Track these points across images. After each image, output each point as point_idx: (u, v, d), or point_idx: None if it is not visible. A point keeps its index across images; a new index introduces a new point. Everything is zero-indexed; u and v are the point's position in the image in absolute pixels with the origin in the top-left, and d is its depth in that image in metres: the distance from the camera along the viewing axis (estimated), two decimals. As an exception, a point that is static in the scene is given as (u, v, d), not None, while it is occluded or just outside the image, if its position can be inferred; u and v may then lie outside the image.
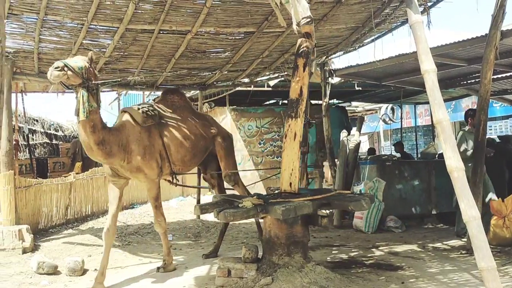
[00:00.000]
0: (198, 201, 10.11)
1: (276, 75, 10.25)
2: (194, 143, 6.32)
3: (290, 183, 5.05)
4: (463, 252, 6.50)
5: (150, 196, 6.01)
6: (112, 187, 5.85)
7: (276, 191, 5.49)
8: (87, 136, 5.11)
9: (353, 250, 7.01)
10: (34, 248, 7.31)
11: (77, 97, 4.99)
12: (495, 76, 8.66)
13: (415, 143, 15.81)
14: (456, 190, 3.03)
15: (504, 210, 6.77)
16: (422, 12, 3.83)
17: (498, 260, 5.10)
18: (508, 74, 9.25)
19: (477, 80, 9.30)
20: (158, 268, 6.03)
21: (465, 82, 10.05)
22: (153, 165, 5.79)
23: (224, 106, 12.81)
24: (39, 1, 5.66)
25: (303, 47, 4.88)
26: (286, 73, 9.52)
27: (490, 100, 9.06)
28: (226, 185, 7.07)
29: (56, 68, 4.72)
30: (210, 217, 8.38)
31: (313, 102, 13.42)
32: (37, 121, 16.81)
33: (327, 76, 9.40)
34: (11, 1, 5.65)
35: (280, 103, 14.89)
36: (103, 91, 9.70)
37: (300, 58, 4.93)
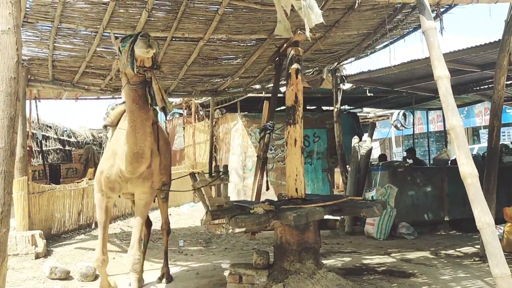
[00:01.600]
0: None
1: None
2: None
3: (296, 189, 5.09)
4: (476, 259, 6.44)
5: (143, 214, 4.96)
6: (105, 207, 4.88)
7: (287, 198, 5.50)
8: (147, 135, 4.27)
9: (364, 256, 6.98)
10: (47, 253, 7.37)
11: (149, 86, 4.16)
12: (508, 82, 8.60)
13: (427, 149, 15.71)
14: (470, 196, 3.01)
15: (518, 217, 6.71)
16: (434, 18, 3.82)
17: (511, 268, 5.07)
18: (521, 80, 9.18)
19: (490, 86, 9.24)
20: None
21: (478, 88, 9.99)
22: (158, 171, 5.04)
23: (236, 112, 12.83)
24: (54, 10, 5.73)
25: (293, 55, 5.12)
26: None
27: (504, 106, 9.00)
28: None
29: (153, 44, 3.88)
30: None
31: (324, 108, 13.42)
32: (50, 127, 17.00)
33: (339, 82, 9.39)
34: (27, 9, 5.73)
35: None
36: (116, 98, 9.79)
37: (292, 66, 5.11)
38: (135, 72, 3.94)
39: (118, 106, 5.11)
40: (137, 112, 4.09)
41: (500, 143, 9.88)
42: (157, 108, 4.25)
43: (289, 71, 5.18)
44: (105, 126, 5.31)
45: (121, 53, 3.96)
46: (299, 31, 5.13)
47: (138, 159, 4.30)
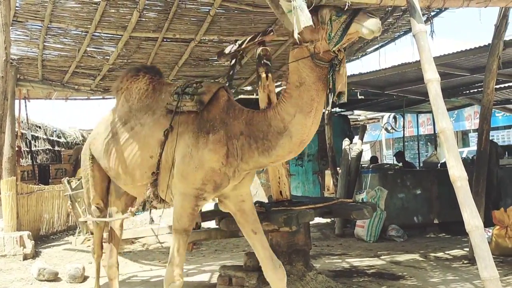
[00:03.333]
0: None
1: (279, 83, 10.26)
2: None
3: (280, 191, 5.07)
4: (465, 261, 6.47)
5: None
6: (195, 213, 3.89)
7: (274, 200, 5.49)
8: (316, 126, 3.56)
9: (354, 259, 6.99)
10: (35, 254, 7.30)
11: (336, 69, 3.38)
12: (497, 86, 8.68)
13: (417, 152, 15.79)
14: (459, 199, 3.01)
15: (507, 220, 6.76)
16: (425, 22, 3.83)
17: (500, 270, 5.07)
18: (510, 84, 9.26)
19: (479, 89, 9.30)
20: None
21: (467, 92, 10.05)
22: None
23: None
24: (44, 9, 5.70)
25: (261, 55, 4.94)
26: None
27: (493, 109, 9.07)
28: None
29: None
30: (212, 224, 8.36)
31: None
32: (39, 127, 16.84)
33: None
34: (16, 8, 5.68)
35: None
36: (106, 98, 9.74)
37: (261, 67, 4.97)
38: (337, 47, 3.30)
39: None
40: (321, 92, 3.46)
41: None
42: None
43: (259, 73, 4.98)
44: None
45: (330, 22, 3.23)
46: (268, 30, 5.03)
47: (300, 149, 3.65)
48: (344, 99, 3.46)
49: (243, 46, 5.21)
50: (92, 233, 5.12)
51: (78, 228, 7.23)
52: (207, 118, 3.64)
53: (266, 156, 3.56)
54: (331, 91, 3.43)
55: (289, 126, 3.46)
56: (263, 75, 4.97)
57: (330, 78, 3.40)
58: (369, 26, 3.05)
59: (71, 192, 6.08)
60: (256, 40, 5.06)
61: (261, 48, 5.03)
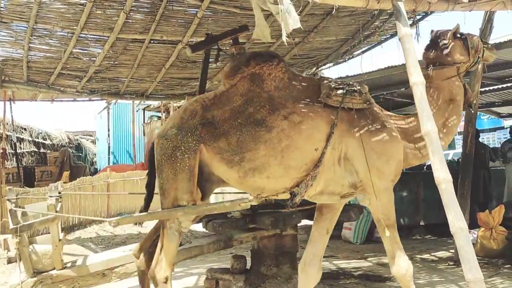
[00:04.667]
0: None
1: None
2: None
3: None
4: (451, 263, 6.53)
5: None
6: None
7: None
8: None
9: (341, 261, 7.01)
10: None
11: None
12: (482, 89, 8.77)
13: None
14: (444, 201, 3.04)
15: (491, 221, 6.83)
16: (411, 25, 3.87)
17: (485, 272, 5.14)
18: (495, 87, 9.37)
19: (465, 92, 9.40)
20: None
21: (453, 95, 10.13)
22: None
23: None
24: (29, 10, 5.64)
25: (236, 54, 4.80)
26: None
27: (478, 112, 9.17)
28: None
29: None
30: (198, 227, 8.34)
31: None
32: (25, 129, 16.69)
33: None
34: (1, 9, 5.62)
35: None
36: (92, 100, 9.66)
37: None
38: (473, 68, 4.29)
39: None
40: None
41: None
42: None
43: None
44: None
45: (483, 50, 4.18)
46: (243, 27, 4.94)
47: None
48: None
49: (219, 44, 5.22)
50: None
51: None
52: (372, 116, 3.89)
53: (418, 158, 4.13)
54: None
55: (449, 126, 4.08)
56: None
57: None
58: (494, 55, 4.28)
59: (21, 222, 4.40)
60: (230, 37, 4.99)
61: (236, 47, 4.94)
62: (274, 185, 3.74)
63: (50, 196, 4.62)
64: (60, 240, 4.41)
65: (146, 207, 3.98)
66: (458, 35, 4.08)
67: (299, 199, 3.80)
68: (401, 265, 3.85)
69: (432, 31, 4.21)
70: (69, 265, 4.50)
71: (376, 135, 3.78)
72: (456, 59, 4.05)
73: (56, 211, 4.47)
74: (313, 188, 3.76)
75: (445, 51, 4.04)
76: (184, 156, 3.59)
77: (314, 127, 3.67)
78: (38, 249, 4.43)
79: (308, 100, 3.80)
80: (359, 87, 3.89)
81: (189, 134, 3.62)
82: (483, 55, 4.16)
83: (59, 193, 4.75)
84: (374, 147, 3.74)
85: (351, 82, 3.96)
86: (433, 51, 4.10)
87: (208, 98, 3.83)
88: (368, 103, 3.90)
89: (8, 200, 4.89)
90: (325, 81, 3.95)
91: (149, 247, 4.05)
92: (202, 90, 6.02)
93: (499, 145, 10.99)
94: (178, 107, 15.47)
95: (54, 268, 4.35)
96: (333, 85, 3.82)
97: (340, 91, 3.78)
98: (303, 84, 3.93)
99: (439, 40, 4.10)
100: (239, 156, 3.60)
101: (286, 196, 3.81)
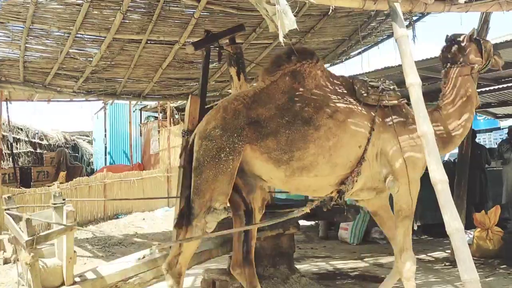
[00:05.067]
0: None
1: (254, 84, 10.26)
2: None
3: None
4: (447, 264, 6.54)
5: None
6: None
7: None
8: None
9: (338, 261, 7.02)
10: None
11: None
12: (478, 90, 8.76)
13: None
14: (440, 202, 3.05)
15: (488, 222, 6.85)
16: (407, 26, 3.89)
17: (481, 272, 5.15)
18: (491, 88, 9.39)
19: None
20: None
21: (449, 96, 10.15)
22: None
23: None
24: (26, 10, 5.62)
25: (233, 54, 4.85)
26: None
27: (474, 113, 9.15)
28: None
29: None
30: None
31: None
32: (21, 129, 16.65)
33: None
34: (-3, 9, 5.61)
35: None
36: (89, 101, 9.65)
37: (232, 67, 4.87)
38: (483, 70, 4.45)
39: None
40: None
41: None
42: None
43: (230, 73, 4.87)
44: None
45: (494, 55, 4.37)
46: (239, 27, 4.96)
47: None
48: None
49: (219, 42, 5.19)
50: None
51: None
52: (404, 111, 4.08)
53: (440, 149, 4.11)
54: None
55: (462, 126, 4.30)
56: (235, 75, 4.86)
57: None
58: (502, 61, 4.43)
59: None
60: (227, 36, 4.93)
61: (232, 46, 4.92)
62: (320, 183, 3.82)
63: (54, 203, 4.42)
64: (75, 252, 4.09)
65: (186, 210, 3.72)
66: (474, 39, 4.28)
67: (347, 196, 3.95)
68: (407, 259, 3.92)
69: (447, 35, 4.39)
70: (78, 279, 4.10)
71: (409, 129, 3.89)
72: (472, 60, 4.23)
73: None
74: (357, 184, 3.86)
75: (462, 52, 4.22)
76: (228, 157, 3.55)
77: (357, 125, 3.77)
78: (47, 263, 4.10)
79: (345, 98, 3.88)
80: (393, 86, 4.06)
81: (235, 135, 3.59)
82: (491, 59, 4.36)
83: (64, 199, 4.55)
84: (408, 140, 3.87)
85: (383, 80, 4.12)
86: (451, 51, 4.27)
87: (247, 95, 3.79)
88: (400, 100, 4.06)
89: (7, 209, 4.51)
90: (358, 80, 4.06)
91: (243, 259, 3.97)
92: (203, 90, 5.95)
93: (496, 146, 11.02)
94: (175, 107, 15.47)
95: (63, 284, 4.01)
96: (368, 84, 3.96)
97: (376, 90, 3.93)
98: (338, 82, 4.00)
99: (456, 42, 4.27)
100: (288, 155, 3.58)
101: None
